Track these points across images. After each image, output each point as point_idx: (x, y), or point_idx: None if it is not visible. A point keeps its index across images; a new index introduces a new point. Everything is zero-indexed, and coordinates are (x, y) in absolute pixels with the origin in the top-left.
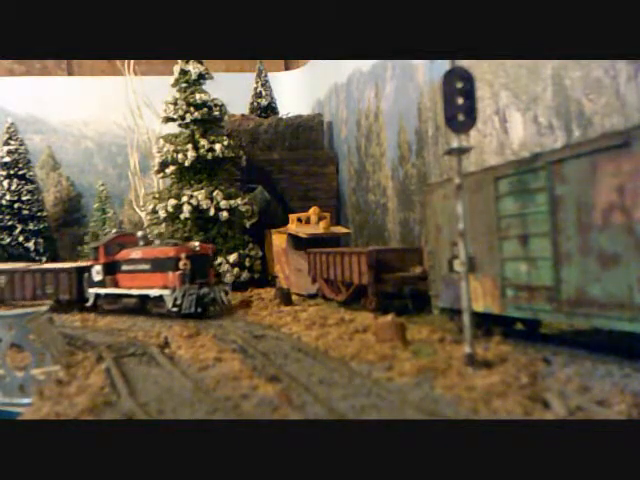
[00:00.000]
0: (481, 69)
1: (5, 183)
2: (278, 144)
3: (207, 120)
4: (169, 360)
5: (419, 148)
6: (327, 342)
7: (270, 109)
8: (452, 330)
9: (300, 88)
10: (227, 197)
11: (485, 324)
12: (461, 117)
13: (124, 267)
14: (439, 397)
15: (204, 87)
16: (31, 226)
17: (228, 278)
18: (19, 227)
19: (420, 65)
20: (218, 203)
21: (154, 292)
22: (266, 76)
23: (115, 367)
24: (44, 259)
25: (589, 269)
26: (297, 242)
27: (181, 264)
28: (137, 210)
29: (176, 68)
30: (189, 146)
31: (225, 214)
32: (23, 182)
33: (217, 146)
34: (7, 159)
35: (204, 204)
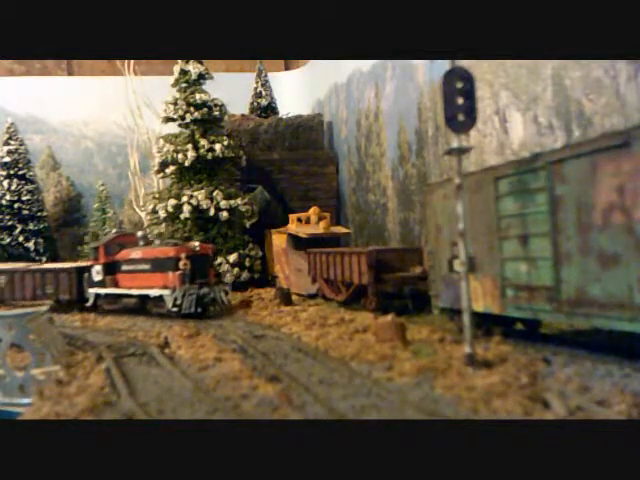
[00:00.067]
0: (481, 69)
1: (5, 183)
2: (278, 144)
3: (207, 120)
4: (169, 360)
5: (419, 148)
6: (327, 342)
7: (270, 109)
8: (452, 330)
9: (300, 88)
10: (227, 197)
11: (485, 324)
12: (461, 117)
13: (124, 267)
14: (439, 397)
15: (204, 87)
16: (31, 226)
17: (228, 278)
18: (19, 227)
19: (420, 65)
20: (218, 203)
21: (154, 292)
22: (266, 76)
23: (115, 367)
24: (44, 259)
25: (589, 269)
26: (297, 242)
27: (181, 264)
28: (137, 210)
29: (176, 68)
30: (189, 146)
31: (225, 214)
32: (23, 182)
33: (217, 146)
34: (7, 159)
35: (204, 204)
